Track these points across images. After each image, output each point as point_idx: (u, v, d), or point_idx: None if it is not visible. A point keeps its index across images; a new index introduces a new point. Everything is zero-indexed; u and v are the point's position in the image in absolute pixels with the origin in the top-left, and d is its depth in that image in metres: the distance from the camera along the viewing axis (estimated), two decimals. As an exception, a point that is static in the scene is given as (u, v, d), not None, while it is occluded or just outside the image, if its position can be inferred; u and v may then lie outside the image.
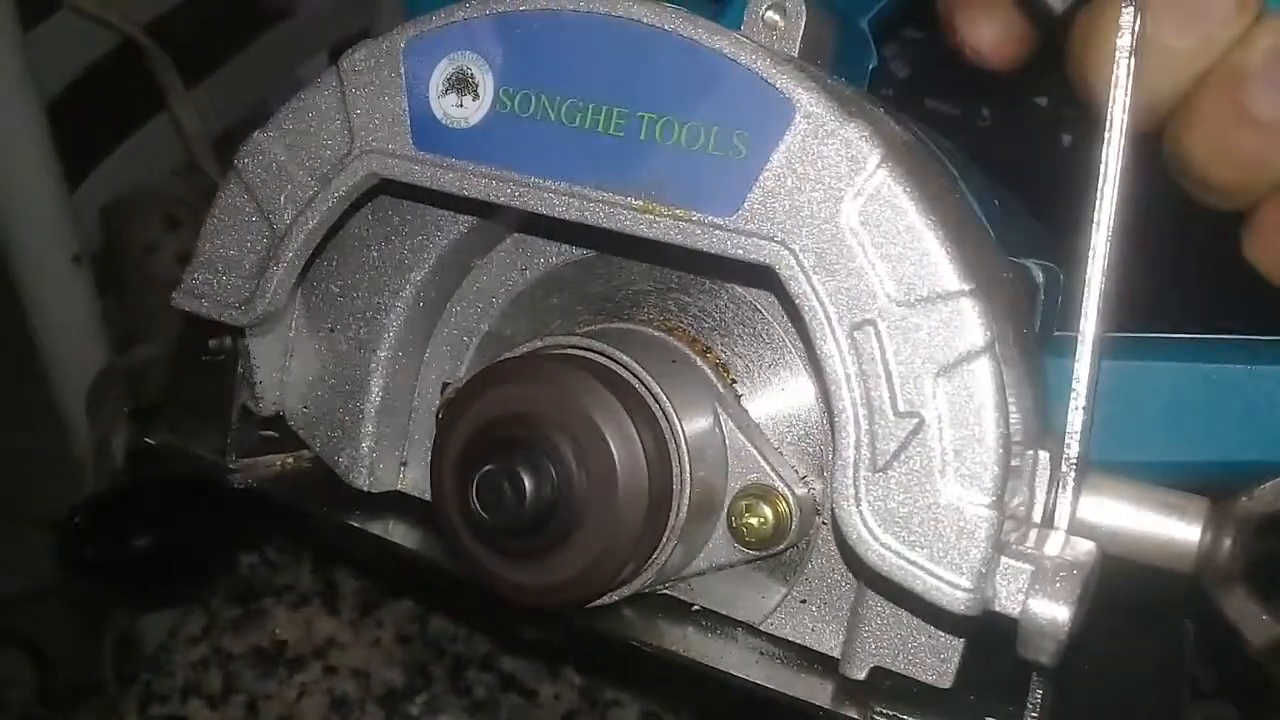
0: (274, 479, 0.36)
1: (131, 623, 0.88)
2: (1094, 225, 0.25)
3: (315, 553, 0.63)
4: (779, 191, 0.24)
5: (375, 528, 0.34)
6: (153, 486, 0.73)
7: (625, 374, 0.28)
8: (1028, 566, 0.23)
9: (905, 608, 0.25)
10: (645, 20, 0.25)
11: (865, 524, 0.23)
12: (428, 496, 0.35)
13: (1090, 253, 0.25)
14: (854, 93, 0.26)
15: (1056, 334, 0.35)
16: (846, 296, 0.23)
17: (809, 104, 0.24)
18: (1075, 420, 0.25)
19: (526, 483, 0.26)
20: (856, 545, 0.23)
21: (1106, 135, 0.26)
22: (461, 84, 0.27)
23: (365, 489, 0.34)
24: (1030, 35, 0.37)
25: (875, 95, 0.36)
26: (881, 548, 0.23)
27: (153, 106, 0.90)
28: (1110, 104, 0.25)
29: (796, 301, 0.24)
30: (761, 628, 0.30)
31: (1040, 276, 0.33)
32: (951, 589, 0.22)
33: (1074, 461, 0.25)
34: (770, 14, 0.33)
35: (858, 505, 0.23)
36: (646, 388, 0.28)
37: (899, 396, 0.23)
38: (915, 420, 0.23)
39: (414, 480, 0.35)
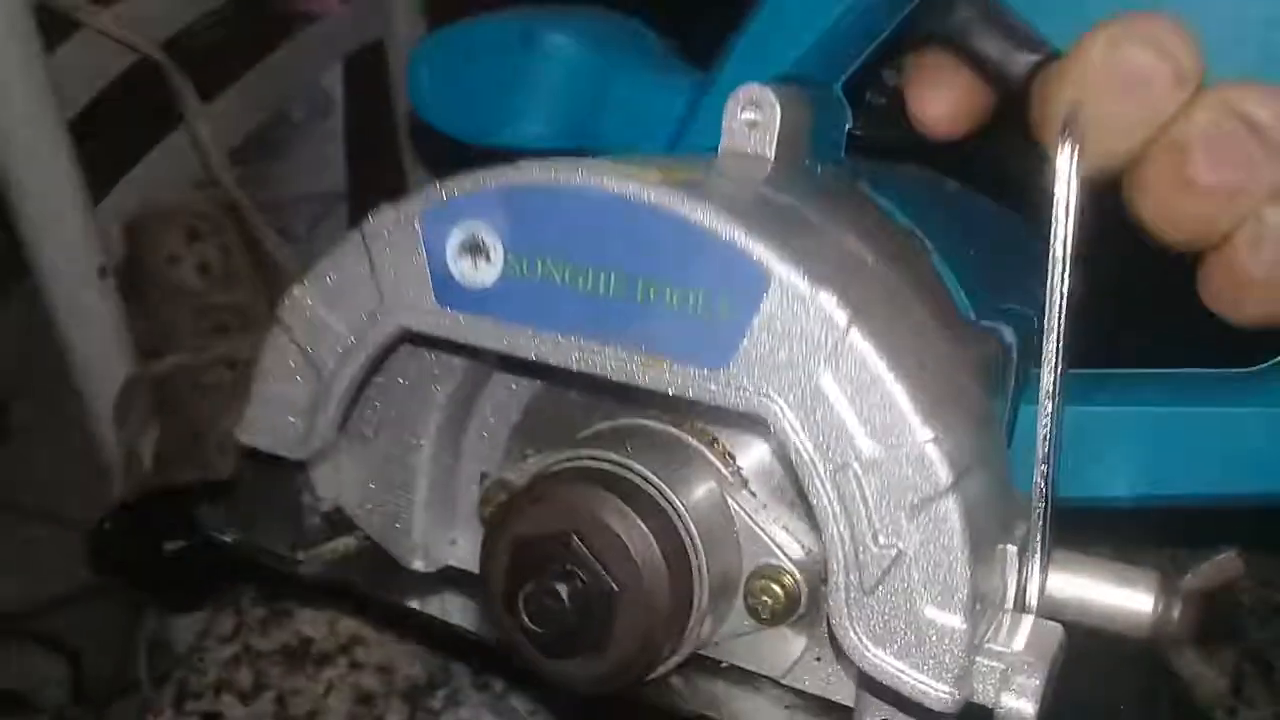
0: (337, 563, 0.40)
1: (163, 625, 0.92)
2: (1044, 361, 0.28)
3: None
4: (762, 350, 0.27)
5: (432, 607, 0.38)
6: (180, 492, 0.77)
7: (637, 479, 0.32)
8: (999, 665, 0.26)
9: (898, 707, 0.29)
10: (631, 195, 0.28)
11: (858, 638, 0.27)
12: (475, 568, 0.39)
13: (1044, 363, 0.29)
14: (823, 244, 0.29)
15: (1033, 370, 0.38)
16: (827, 444, 0.27)
17: (781, 274, 0.27)
18: (1038, 515, 0.29)
19: (564, 595, 0.30)
20: (851, 654, 0.27)
21: (1052, 248, 0.29)
22: (474, 249, 0.30)
23: (420, 570, 0.38)
24: (982, 105, 0.39)
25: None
26: (874, 658, 0.27)
27: (171, 122, 0.93)
28: (1053, 230, 0.28)
29: (785, 448, 0.27)
30: (784, 681, 0.34)
31: (1010, 337, 0.36)
32: (935, 692, 0.26)
33: (1040, 550, 0.29)
34: (747, 114, 0.36)
35: (850, 622, 0.27)
36: (659, 491, 0.32)
37: (879, 532, 0.26)
38: (894, 551, 0.26)
39: (463, 555, 0.39)
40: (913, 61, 0.40)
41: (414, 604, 0.38)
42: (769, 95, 0.37)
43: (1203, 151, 0.33)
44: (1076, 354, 0.33)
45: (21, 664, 1.15)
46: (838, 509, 0.27)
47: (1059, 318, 0.28)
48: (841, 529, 0.27)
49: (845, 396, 0.26)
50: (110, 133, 0.89)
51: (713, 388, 0.28)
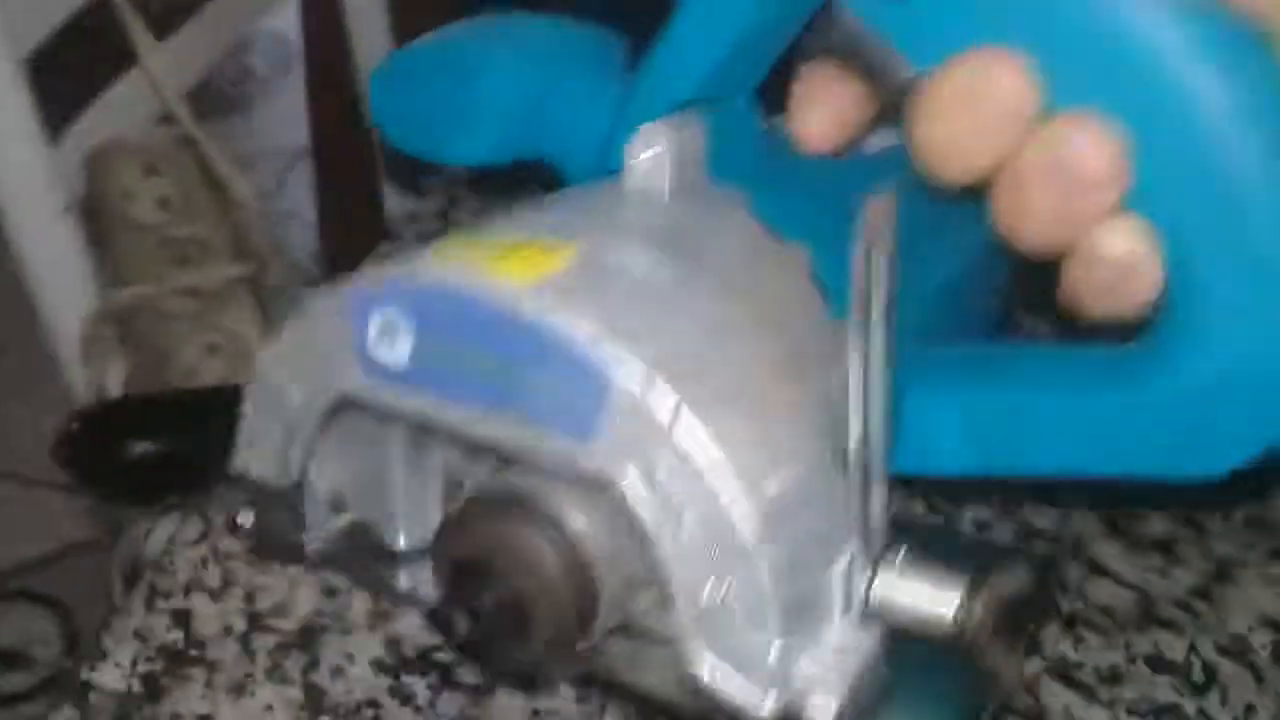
0: (334, 539, 0.47)
1: (136, 547, 0.96)
2: (851, 417, 0.34)
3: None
4: (612, 432, 0.33)
5: (407, 581, 0.46)
6: (148, 398, 0.81)
7: (543, 505, 0.38)
8: (812, 671, 0.33)
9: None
10: (499, 303, 0.34)
11: (695, 650, 0.34)
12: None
13: (852, 417, 0.34)
14: (671, 323, 0.35)
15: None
16: (663, 508, 0.33)
17: (618, 376, 0.33)
18: (868, 537, 0.35)
19: (487, 603, 0.38)
20: (690, 663, 0.34)
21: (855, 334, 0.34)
22: (389, 332, 0.37)
23: (403, 548, 0.46)
24: (863, 118, 0.43)
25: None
26: (707, 668, 0.34)
27: (127, 61, 0.96)
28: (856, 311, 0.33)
29: (633, 514, 0.33)
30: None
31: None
32: (761, 703, 0.33)
33: (862, 564, 0.35)
34: (643, 153, 0.41)
35: (687, 636, 0.34)
36: (561, 514, 0.38)
37: (704, 575, 0.33)
38: (723, 588, 0.33)
39: (438, 533, 0.47)
40: (799, 77, 0.44)
41: (394, 580, 0.46)
42: (662, 134, 0.41)
43: (1033, 183, 0.36)
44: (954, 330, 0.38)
45: (15, 622, 1.21)
46: (672, 558, 0.33)
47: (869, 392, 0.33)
48: (676, 570, 0.33)
49: (676, 471, 0.33)
50: (67, 71, 0.92)
51: (578, 461, 0.34)
